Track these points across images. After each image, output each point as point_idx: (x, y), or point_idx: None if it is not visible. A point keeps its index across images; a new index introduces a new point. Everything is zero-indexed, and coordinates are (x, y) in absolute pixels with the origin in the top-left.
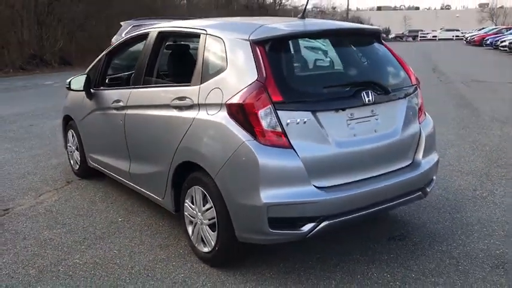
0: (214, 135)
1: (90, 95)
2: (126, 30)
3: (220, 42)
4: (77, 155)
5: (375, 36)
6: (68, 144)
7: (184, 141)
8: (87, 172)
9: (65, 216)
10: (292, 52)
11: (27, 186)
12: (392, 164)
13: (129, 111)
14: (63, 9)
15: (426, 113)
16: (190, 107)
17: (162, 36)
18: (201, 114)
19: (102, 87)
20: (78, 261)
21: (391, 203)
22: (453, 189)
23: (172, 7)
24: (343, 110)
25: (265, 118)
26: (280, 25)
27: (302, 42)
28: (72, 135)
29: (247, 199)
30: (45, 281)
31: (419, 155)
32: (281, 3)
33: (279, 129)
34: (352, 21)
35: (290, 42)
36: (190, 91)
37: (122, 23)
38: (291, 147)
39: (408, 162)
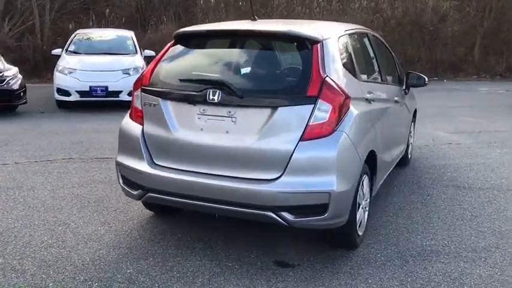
0: None
1: None
2: None
3: None
4: None
5: (293, 40)
6: None
7: None
8: None
9: None
10: (189, 48)
11: None
12: (239, 170)
13: None
14: None
15: (338, 136)
16: None
17: None
18: None
19: None
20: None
21: (225, 207)
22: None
23: None
24: (190, 103)
25: (136, 98)
26: (206, 25)
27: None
28: None
29: None
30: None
31: (285, 174)
32: None
33: (139, 108)
34: None
35: (188, 39)
36: None
37: None
38: (142, 124)
39: (269, 176)
